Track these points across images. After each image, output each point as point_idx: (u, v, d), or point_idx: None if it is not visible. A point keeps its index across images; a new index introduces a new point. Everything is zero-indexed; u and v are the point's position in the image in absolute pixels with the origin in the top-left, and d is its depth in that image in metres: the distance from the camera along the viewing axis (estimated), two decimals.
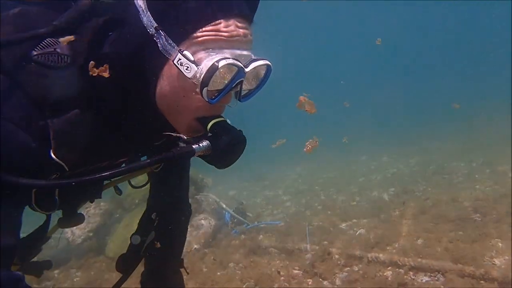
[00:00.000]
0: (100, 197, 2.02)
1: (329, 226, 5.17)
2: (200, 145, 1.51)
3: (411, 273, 3.34)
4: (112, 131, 1.60)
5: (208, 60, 1.38)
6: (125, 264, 2.09)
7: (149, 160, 1.50)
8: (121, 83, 1.51)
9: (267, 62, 1.54)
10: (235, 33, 1.42)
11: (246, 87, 1.58)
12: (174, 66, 1.41)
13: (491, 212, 4.39)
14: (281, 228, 5.43)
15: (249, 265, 4.15)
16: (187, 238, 4.85)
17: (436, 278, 3.19)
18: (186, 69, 1.40)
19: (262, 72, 1.60)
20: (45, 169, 1.45)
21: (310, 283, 3.45)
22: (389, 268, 3.48)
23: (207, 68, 1.37)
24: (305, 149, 1.79)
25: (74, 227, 5.03)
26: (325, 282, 3.46)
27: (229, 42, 1.42)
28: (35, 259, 2.13)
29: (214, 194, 6.77)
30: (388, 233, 4.32)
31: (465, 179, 6.65)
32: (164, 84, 1.49)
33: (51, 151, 1.44)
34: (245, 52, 1.47)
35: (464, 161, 7.94)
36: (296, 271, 3.75)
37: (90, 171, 1.56)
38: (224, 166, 1.60)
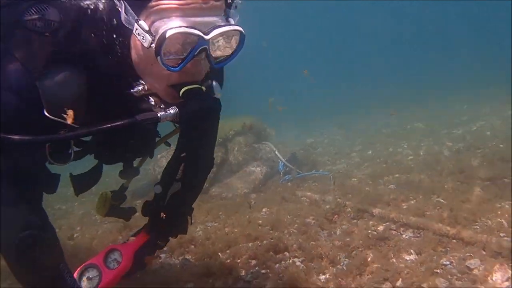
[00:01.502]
0: (151, 156, 2.33)
1: (370, 180, 5.28)
2: (167, 111, 1.58)
3: (402, 229, 3.44)
4: (104, 93, 1.66)
5: (160, 30, 1.42)
6: (148, 210, 2.22)
7: (115, 123, 1.54)
8: (106, 49, 1.57)
9: (235, 28, 1.53)
10: (190, 0, 1.41)
11: (219, 53, 1.58)
12: (136, 36, 1.46)
13: None
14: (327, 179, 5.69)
15: (276, 211, 4.56)
16: (240, 183, 5.51)
17: (417, 235, 3.27)
18: (143, 38, 1.44)
19: (236, 38, 1.58)
20: (47, 127, 1.52)
21: (313, 232, 3.75)
22: (386, 223, 3.61)
23: (157, 38, 1.41)
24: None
25: None
26: (325, 232, 3.74)
27: (185, 10, 1.42)
28: (122, 205, 2.50)
29: (280, 142, 7.23)
30: (412, 190, 4.36)
31: None
32: (133, 54, 1.56)
33: (44, 110, 1.50)
34: (207, 19, 1.46)
35: None
36: (308, 220, 4.07)
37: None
38: (193, 131, 1.76)
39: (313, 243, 3.39)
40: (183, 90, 1.54)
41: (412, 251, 2.96)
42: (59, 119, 1.51)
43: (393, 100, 12.99)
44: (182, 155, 2.09)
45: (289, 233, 3.72)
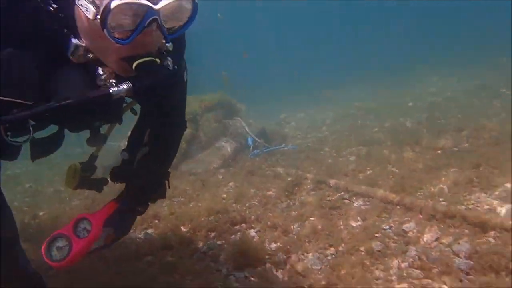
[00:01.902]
0: (120, 122, 2.19)
1: (334, 152, 5.47)
2: (120, 87, 1.50)
3: (354, 198, 3.64)
4: (56, 69, 1.60)
5: (104, 1, 1.34)
6: (117, 176, 2.20)
7: (65, 102, 1.48)
8: (55, 23, 1.50)
9: None
10: None
11: (171, 24, 1.53)
12: (79, 7, 1.40)
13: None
14: (294, 153, 5.86)
15: (241, 184, 4.73)
16: (210, 158, 5.62)
17: (367, 203, 3.46)
18: (86, 10, 1.38)
19: (188, 8, 1.54)
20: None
21: (272, 203, 3.92)
22: (341, 193, 3.80)
23: (101, 9, 1.34)
24: None
25: None
26: (284, 204, 3.91)
27: None
28: (93, 176, 2.46)
29: (254, 118, 7.36)
30: (371, 161, 4.55)
31: None
32: (79, 26, 1.49)
33: None
34: None
35: None
36: (269, 193, 4.24)
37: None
38: (148, 104, 1.72)
39: (270, 214, 3.55)
40: (135, 63, 1.47)
41: (359, 218, 3.15)
42: (11, 99, 1.47)
43: (375, 74, 13.13)
44: (146, 121, 2.10)
45: (250, 206, 3.87)
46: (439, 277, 2.22)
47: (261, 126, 6.68)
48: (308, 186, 4.18)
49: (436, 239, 2.60)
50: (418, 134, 5.22)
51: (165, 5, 1.42)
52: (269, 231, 3.20)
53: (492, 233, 2.50)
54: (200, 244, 3.16)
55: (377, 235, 2.80)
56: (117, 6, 1.34)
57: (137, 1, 1.37)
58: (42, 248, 1.91)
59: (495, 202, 2.95)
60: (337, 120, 8.32)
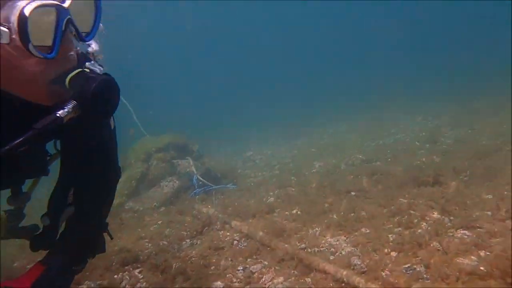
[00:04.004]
0: (47, 174, 2.00)
1: (264, 192, 5.87)
2: (66, 108, 1.39)
3: (243, 239, 4.02)
4: None
5: (13, 14, 1.22)
6: (40, 244, 2.09)
7: (14, 142, 1.37)
8: None
9: None
10: None
11: (82, 25, 1.45)
12: None
13: None
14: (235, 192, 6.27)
15: (163, 224, 5.08)
16: (153, 196, 6.03)
17: (246, 244, 3.84)
18: None
19: (91, 4, 1.48)
20: None
21: (178, 242, 4.29)
22: (237, 234, 4.18)
23: (16, 23, 1.21)
24: None
25: None
26: (189, 241, 4.29)
27: None
28: (22, 224, 2.28)
29: (214, 158, 7.82)
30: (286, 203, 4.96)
31: None
32: None
33: None
34: None
35: None
36: (183, 232, 4.61)
37: None
38: (100, 114, 1.48)
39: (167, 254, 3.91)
40: (68, 78, 1.39)
41: (230, 258, 3.53)
42: None
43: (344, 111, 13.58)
44: (69, 178, 2.00)
45: (157, 245, 4.24)
46: None
47: (205, 167, 7.10)
48: (216, 226, 4.56)
49: (271, 279, 2.96)
50: (330, 179, 5.62)
51: (72, 1, 1.34)
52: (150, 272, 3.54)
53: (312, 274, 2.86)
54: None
55: (228, 274, 3.17)
56: (32, 11, 1.22)
57: (49, 1, 1.27)
58: None
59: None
60: (294, 158, 8.70)
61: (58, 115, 1.37)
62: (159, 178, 6.81)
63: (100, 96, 1.42)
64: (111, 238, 2.33)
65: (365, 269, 2.76)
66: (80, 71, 1.43)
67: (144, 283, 3.32)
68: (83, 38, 1.45)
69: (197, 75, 27.35)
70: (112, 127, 2.08)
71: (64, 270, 2.07)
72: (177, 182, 6.68)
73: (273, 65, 27.11)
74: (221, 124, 15.00)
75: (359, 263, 2.87)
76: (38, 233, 2.10)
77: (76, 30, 1.39)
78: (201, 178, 6.74)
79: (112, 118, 2.06)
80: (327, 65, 25.40)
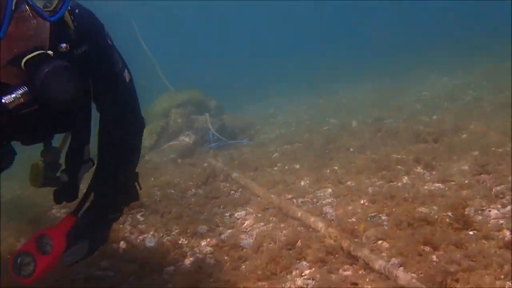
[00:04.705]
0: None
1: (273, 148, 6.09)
2: (14, 93, 1.36)
3: (240, 190, 4.29)
4: None
5: None
6: (61, 197, 2.14)
7: None
8: None
9: None
10: None
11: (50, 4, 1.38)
12: None
13: None
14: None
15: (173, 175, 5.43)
16: (171, 149, 6.42)
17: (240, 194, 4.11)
18: None
19: None
20: None
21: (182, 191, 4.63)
22: (235, 185, 4.45)
23: None
24: None
25: None
26: (193, 190, 4.61)
27: None
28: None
29: (227, 115, 8.07)
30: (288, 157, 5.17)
31: None
32: None
33: None
34: None
35: None
36: (190, 182, 4.93)
37: None
38: (54, 100, 1.41)
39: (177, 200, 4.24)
40: (23, 60, 1.33)
41: (221, 206, 3.81)
42: None
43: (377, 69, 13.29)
44: (83, 134, 2.01)
45: (164, 193, 4.58)
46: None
47: (222, 123, 7.35)
48: (219, 178, 4.85)
49: (252, 225, 3.23)
50: (337, 136, 5.73)
51: None
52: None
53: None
54: None
55: (216, 220, 3.46)
56: None
57: None
58: (10, 263, 1.94)
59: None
60: (313, 116, 8.79)
61: (3, 101, 1.36)
62: (177, 132, 7.15)
63: (49, 83, 1.36)
64: (140, 189, 2.37)
65: (334, 217, 2.97)
66: (40, 53, 1.36)
67: (144, 225, 3.66)
68: (46, 17, 1.35)
69: (236, 36, 27.22)
70: (128, 79, 2.06)
71: (100, 219, 2.20)
72: (193, 136, 6.99)
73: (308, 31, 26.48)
74: (250, 85, 15.11)
75: (330, 211, 3.07)
76: (58, 189, 2.13)
77: (36, 8, 1.30)
78: (216, 134, 7.02)
79: (127, 70, 2.05)
80: (366, 19, 24.52)
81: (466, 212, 2.49)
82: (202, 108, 7.78)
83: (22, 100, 1.37)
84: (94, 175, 2.21)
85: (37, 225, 3.80)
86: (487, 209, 2.55)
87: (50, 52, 1.39)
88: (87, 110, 1.99)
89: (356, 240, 2.53)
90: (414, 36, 17.98)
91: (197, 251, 2.96)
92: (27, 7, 1.29)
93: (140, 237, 3.38)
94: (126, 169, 2.25)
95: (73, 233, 2.03)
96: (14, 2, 1.23)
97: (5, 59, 1.33)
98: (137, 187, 2.34)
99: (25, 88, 1.36)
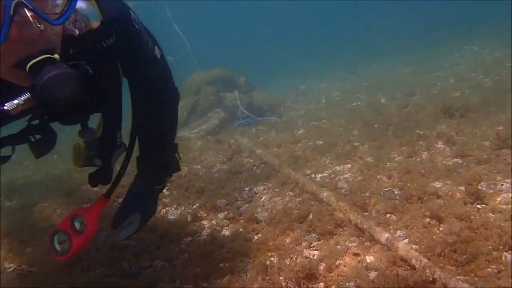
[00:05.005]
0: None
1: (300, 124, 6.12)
2: (17, 99, 1.37)
3: (261, 165, 4.38)
4: None
5: None
6: (96, 181, 2.18)
7: None
8: None
9: None
10: None
11: (49, 4, 1.38)
12: None
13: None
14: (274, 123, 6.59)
15: (202, 150, 5.60)
16: (200, 126, 6.62)
17: (261, 168, 4.20)
18: None
19: None
20: None
21: (211, 166, 4.79)
22: (258, 161, 4.55)
23: None
24: None
25: None
26: (218, 166, 4.76)
27: None
28: None
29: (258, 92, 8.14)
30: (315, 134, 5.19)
31: None
32: None
33: None
34: None
35: None
36: (215, 158, 5.09)
37: None
38: (51, 107, 1.41)
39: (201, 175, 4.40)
40: (28, 65, 1.32)
41: (242, 181, 3.92)
42: None
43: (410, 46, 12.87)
44: (113, 121, 2.05)
45: (191, 168, 4.76)
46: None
47: (251, 100, 7.41)
48: (244, 154, 4.96)
49: (269, 199, 3.32)
50: (364, 113, 5.65)
51: None
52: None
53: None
54: None
55: (235, 194, 3.57)
56: None
57: None
58: (46, 241, 2.01)
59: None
60: (344, 92, 8.69)
61: (5, 108, 1.36)
62: (207, 109, 7.29)
63: (50, 90, 1.34)
64: (180, 159, 2.47)
65: (347, 191, 3.01)
66: (45, 57, 1.34)
67: (168, 199, 3.83)
68: (50, 21, 1.33)
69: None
70: (159, 56, 2.10)
71: (149, 191, 2.37)
72: (222, 113, 7.11)
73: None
74: (286, 61, 14.99)
75: (345, 186, 3.11)
76: (92, 172, 2.17)
77: (37, 12, 1.28)
78: (244, 111, 7.10)
79: (157, 47, 2.08)
80: None
81: (479, 187, 2.47)
82: (232, 85, 7.86)
83: (25, 106, 1.37)
84: (140, 149, 2.30)
85: (73, 198, 4.08)
86: (500, 183, 2.52)
87: (56, 56, 1.38)
88: (117, 94, 1.99)
89: (365, 213, 2.57)
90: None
91: (215, 223, 3.09)
92: (27, 11, 1.27)
93: (164, 210, 3.55)
94: (170, 140, 2.35)
95: (123, 208, 2.18)
96: (12, 7, 1.22)
97: (10, 63, 1.34)
98: (177, 157, 2.42)
99: (28, 94, 1.37)
